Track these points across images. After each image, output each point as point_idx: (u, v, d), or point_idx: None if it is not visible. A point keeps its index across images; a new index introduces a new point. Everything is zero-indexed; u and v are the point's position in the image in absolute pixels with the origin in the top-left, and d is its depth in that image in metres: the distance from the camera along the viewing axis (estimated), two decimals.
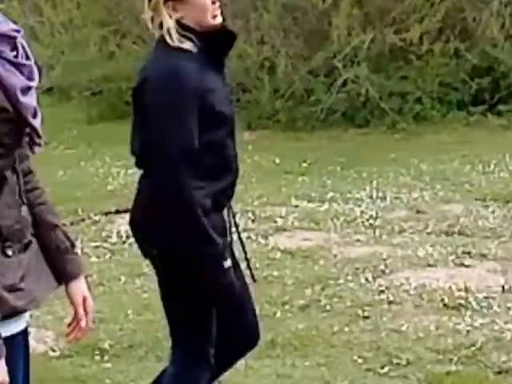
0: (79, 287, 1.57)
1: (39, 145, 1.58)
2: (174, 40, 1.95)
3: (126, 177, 6.63)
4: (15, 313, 1.52)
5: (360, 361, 3.41)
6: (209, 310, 2.08)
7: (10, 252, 1.54)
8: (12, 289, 1.53)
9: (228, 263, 2.00)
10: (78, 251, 1.72)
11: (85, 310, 1.59)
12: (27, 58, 1.49)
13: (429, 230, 5.23)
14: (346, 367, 3.36)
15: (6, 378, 1.42)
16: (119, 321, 4.03)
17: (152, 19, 2.06)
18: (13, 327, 1.49)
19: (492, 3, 7.69)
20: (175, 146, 1.94)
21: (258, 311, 2.69)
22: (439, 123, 7.86)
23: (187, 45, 1.97)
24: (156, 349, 3.68)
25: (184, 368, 2.09)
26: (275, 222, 4.88)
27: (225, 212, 2.09)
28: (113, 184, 6.62)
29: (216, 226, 1.97)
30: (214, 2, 1.99)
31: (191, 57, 1.98)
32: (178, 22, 1.97)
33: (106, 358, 3.61)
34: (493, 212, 5.53)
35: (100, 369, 3.54)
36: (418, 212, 5.76)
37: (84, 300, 1.59)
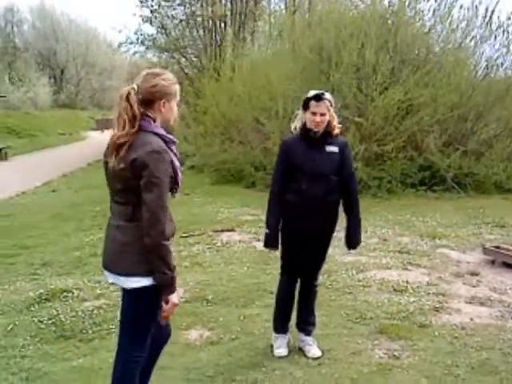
0: None
1: (176, 193, 2.59)
2: None
3: (228, 213, 8.91)
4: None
5: (344, 315, 4.52)
6: None
7: (171, 240, 2.53)
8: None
9: None
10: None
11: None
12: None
13: (389, 250, 6.64)
14: (337, 317, 4.44)
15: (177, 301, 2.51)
16: (217, 285, 5.30)
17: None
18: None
19: (431, 134, 10.92)
20: None
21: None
22: (400, 194, 10.54)
23: None
24: (236, 302, 4.87)
25: None
26: None
27: None
28: (220, 216, 8.73)
29: None
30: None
31: None
32: None
33: (209, 304, 4.82)
34: (426, 243, 7.02)
35: (206, 309, 4.68)
36: (384, 240, 7.15)
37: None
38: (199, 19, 23.27)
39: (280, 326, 3.91)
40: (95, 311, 4.69)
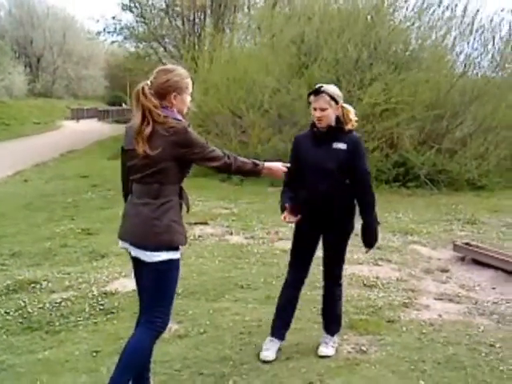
0: None
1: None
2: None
3: (202, 206, 9.05)
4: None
5: (314, 309, 4.58)
6: None
7: (184, 209, 2.92)
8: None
9: None
10: None
11: None
12: None
13: (361, 245, 6.35)
14: (307, 312, 4.51)
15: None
16: (188, 278, 5.26)
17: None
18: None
19: (406, 131, 11.07)
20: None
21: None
22: (374, 190, 10.84)
23: None
24: (206, 295, 4.92)
25: None
26: None
27: None
28: (194, 209, 8.19)
29: None
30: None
31: None
32: None
33: (179, 297, 4.66)
34: (397, 238, 7.19)
35: (175, 302, 3.82)
36: (356, 235, 6.81)
37: None
38: (178, 9, 23.13)
39: (276, 330, 3.78)
40: (63, 303, 4.65)
